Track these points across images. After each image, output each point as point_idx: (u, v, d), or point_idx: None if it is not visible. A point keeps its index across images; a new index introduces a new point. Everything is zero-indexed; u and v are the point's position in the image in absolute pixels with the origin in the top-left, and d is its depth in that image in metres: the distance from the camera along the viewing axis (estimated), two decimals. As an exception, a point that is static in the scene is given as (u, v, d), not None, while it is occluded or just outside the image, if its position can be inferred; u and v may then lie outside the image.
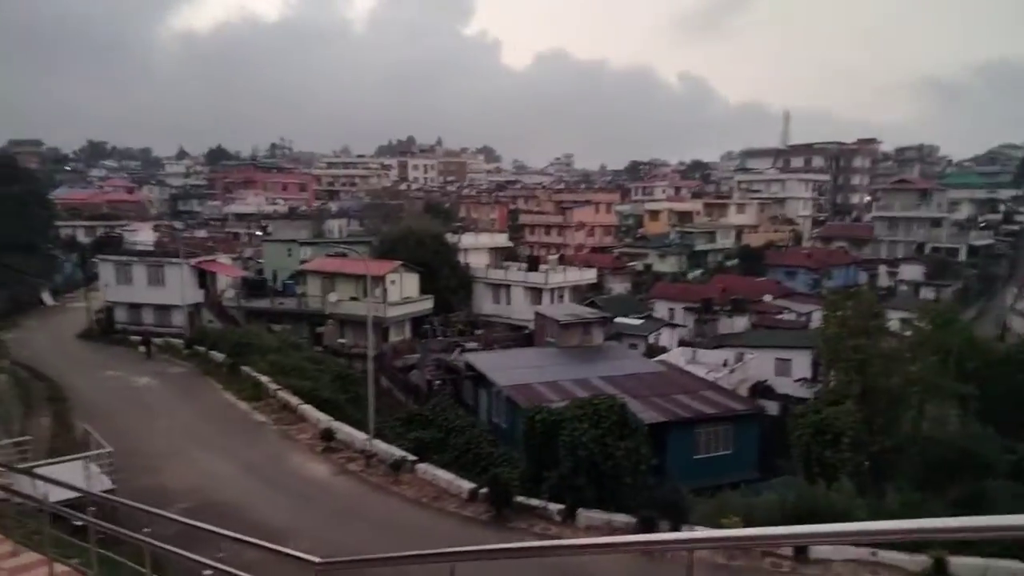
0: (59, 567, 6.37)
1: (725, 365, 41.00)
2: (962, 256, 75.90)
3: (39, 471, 15.71)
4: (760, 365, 43.31)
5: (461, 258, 59.35)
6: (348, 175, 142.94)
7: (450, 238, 59.42)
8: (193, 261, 50.23)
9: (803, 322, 52.98)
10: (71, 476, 16.26)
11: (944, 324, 28.69)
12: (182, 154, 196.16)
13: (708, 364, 41.34)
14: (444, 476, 21.82)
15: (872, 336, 28.57)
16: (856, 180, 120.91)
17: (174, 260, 48.54)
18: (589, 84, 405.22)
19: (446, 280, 52.94)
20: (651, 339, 49.15)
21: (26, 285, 61.52)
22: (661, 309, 58.92)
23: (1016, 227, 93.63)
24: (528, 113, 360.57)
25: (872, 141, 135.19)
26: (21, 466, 15.57)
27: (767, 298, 59.72)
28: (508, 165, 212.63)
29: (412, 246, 52.26)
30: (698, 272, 77.59)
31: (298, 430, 27.35)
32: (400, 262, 48.30)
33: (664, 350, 46.53)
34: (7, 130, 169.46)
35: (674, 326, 53.66)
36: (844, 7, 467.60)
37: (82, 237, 79.88)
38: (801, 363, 42.56)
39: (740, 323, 51.38)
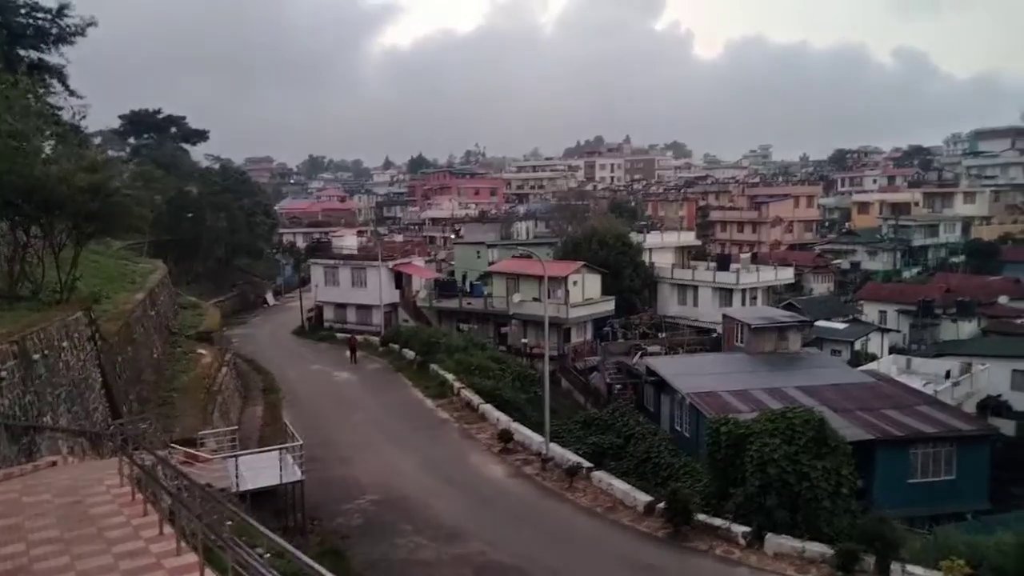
0: (209, 572, 6.49)
1: (947, 377, 35.99)
2: None
3: (241, 460, 17.19)
4: (993, 377, 37.56)
5: (646, 258, 57.74)
6: (536, 178, 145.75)
7: (634, 237, 58.02)
8: (391, 264, 53.48)
9: (1051, 328, 45.27)
10: (268, 466, 17.61)
11: None
12: (388, 164, 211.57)
13: (926, 375, 36.58)
14: (620, 486, 20.96)
15: None
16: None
17: (374, 263, 52.02)
18: (788, 69, 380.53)
19: (629, 281, 51.72)
20: (857, 345, 44.49)
21: (253, 286, 69.34)
22: (870, 312, 53.38)
23: None
24: (721, 105, 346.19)
25: None
26: (225, 455, 17.06)
27: (1002, 300, 51.92)
28: (699, 160, 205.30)
29: (595, 247, 51.67)
30: (915, 270, 69.49)
31: (478, 429, 27.81)
32: (582, 263, 47.93)
33: (873, 358, 41.92)
34: (245, 149, 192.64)
35: (885, 331, 48.21)
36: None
37: (300, 243, 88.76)
38: (1048, 377, 36.34)
39: (967, 328, 45.10)
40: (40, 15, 29.37)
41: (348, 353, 42.07)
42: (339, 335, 49.01)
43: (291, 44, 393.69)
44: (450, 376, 33.66)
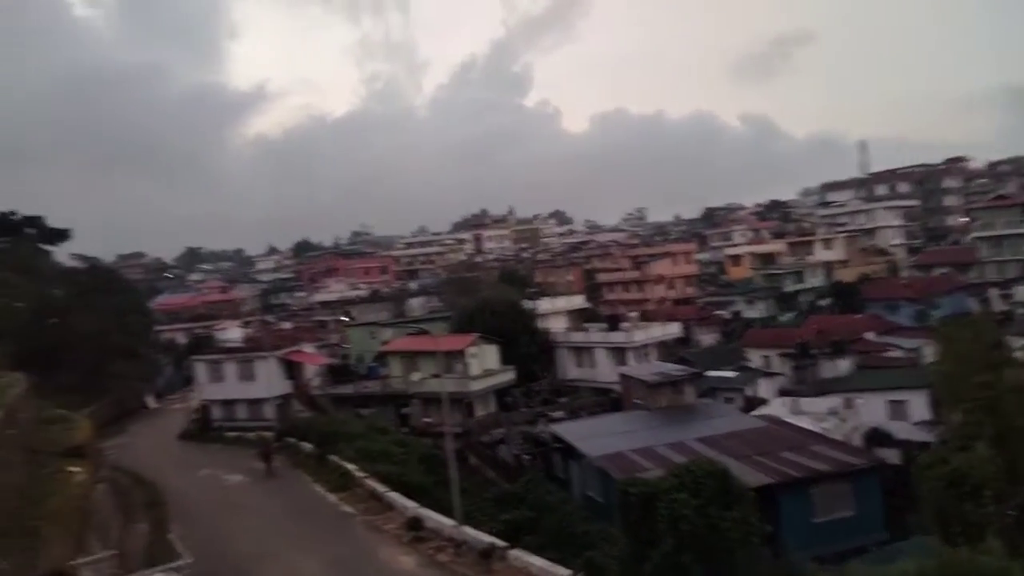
0: None
1: (834, 414, 37.98)
2: (1083, 270, 69.39)
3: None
4: (872, 410, 39.99)
5: (540, 324, 58.51)
6: (425, 253, 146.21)
7: (526, 305, 58.81)
8: (279, 353, 51.39)
9: (913, 358, 48.97)
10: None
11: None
12: (271, 250, 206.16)
13: (814, 414, 38.40)
14: (538, 563, 20.36)
15: (998, 369, 25.62)
16: (949, 201, 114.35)
17: (262, 354, 49.77)
18: (650, 137, 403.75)
19: (526, 348, 52.05)
20: (748, 391, 46.44)
21: (130, 390, 64.43)
22: (755, 358, 55.94)
23: None
24: (594, 173, 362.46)
25: (961, 159, 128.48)
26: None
27: (869, 336, 55.92)
28: (580, 226, 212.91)
29: (488, 317, 51.88)
30: (790, 315, 73.98)
31: (385, 519, 26.54)
32: (477, 335, 47.87)
33: (763, 402, 43.76)
34: (115, 245, 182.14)
35: (771, 375, 50.64)
36: (901, 32, 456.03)
37: (181, 339, 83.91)
38: (919, 404, 39.02)
39: (843, 366, 47.95)
40: None
41: (263, 464, 35.82)
42: (230, 434, 46.31)
43: (156, 134, 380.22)
44: (351, 466, 32.20)
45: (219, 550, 24.18)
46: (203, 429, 49.51)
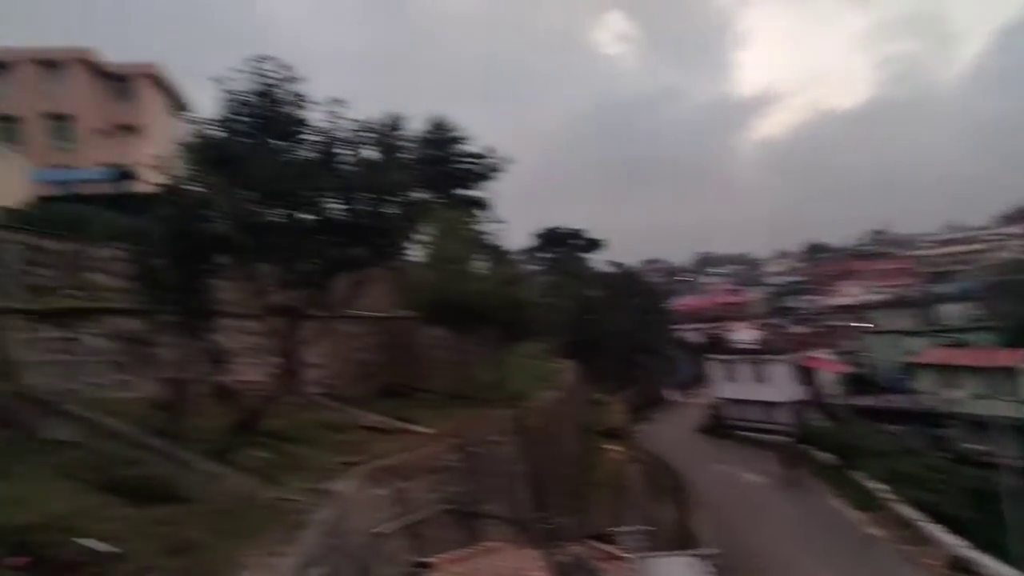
0: None
1: None
2: None
3: (655, 562, 16.80)
4: None
5: None
6: (959, 252, 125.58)
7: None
8: (793, 357, 50.04)
9: None
10: (681, 571, 16.88)
11: None
12: (780, 253, 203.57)
13: None
14: None
15: None
16: None
17: (775, 357, 49.23)
18: None
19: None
20: None
21: (652, 382, 71.06)
22: None
23: None
24: None
25: None
26: (639, 555, 16.86)
27: None
28: None
29: (1060, 329, 41.35)
30: None
31: (920, 551, 23.34)
32: (1045, 350, 38.57)
33: None
34: (638, 252, 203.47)
35: None
36: None
37: (693, 339, 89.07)
38: None
39: None
40: (468, 160, 36.01)
41: (781, 468, 35.81)
42: (742, 433, 47.19)
43: (671, 150, 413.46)
44: (876, 485, 29.34)
45: (739, 547, 24.56)
46: (716, 425, 51.40)
